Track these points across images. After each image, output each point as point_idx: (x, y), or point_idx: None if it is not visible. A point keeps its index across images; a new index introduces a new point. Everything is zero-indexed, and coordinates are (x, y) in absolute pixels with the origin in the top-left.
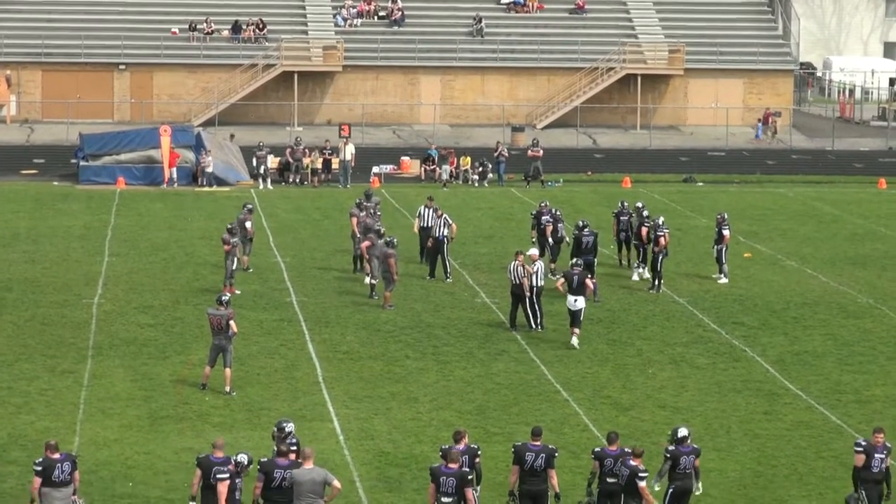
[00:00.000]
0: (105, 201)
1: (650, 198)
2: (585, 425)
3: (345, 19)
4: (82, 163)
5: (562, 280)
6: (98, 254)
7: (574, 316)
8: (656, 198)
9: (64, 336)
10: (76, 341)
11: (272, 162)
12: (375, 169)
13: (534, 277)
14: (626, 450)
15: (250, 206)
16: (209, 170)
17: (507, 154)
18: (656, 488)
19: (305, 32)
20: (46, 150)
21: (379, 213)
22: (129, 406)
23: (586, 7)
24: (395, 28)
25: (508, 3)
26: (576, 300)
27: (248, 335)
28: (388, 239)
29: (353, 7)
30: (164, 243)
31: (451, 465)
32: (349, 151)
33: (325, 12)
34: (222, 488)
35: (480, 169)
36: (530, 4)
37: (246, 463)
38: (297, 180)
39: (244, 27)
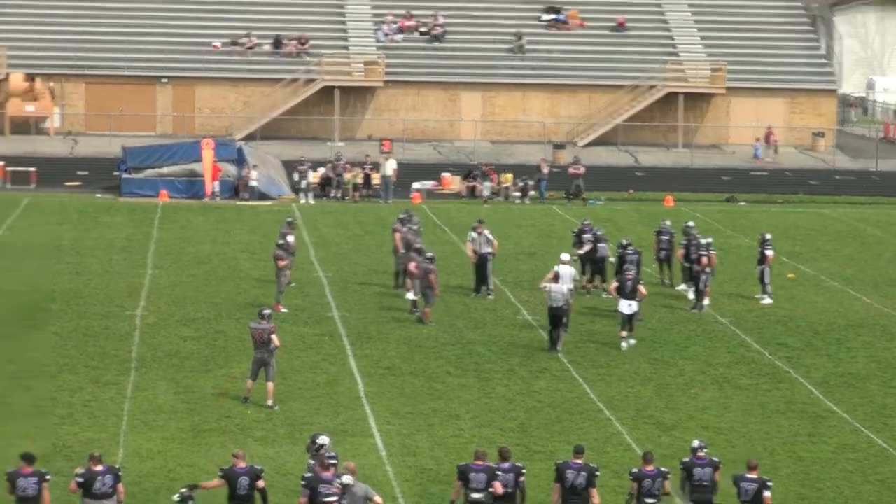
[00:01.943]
0: (148, 214)
1: (692, 217)
2: (628, 445)
3: (386, 35)
4: (125, 175)
5: (615, 284)
6: (141, 266)
7: (626, 320)
8: (698, 217)
9: (107, 348)
10: (119, 353)
11: (313, 176)
12: (416, 185)
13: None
14: (662, 469)
15: (291, 220)
16: (253, 183)
17: (548, 171)
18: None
19: (346, 48)
20: (90, 162)
21: (420, 230)
22: (172, 418)
23: (627, 25)
24: (436, 44)
25: (549, 20)
26: (629, 304)
27: (290, 349)
28: (427, 255)
29: (395, 23)
30: (207, 256)
31: (479, 463)
32: (390, 167)
33: (366, 28)
34: None
35: (522, 185)
36: (571, 21)
37: (352, 484)
38: (339, 195)
39: (285, 42)
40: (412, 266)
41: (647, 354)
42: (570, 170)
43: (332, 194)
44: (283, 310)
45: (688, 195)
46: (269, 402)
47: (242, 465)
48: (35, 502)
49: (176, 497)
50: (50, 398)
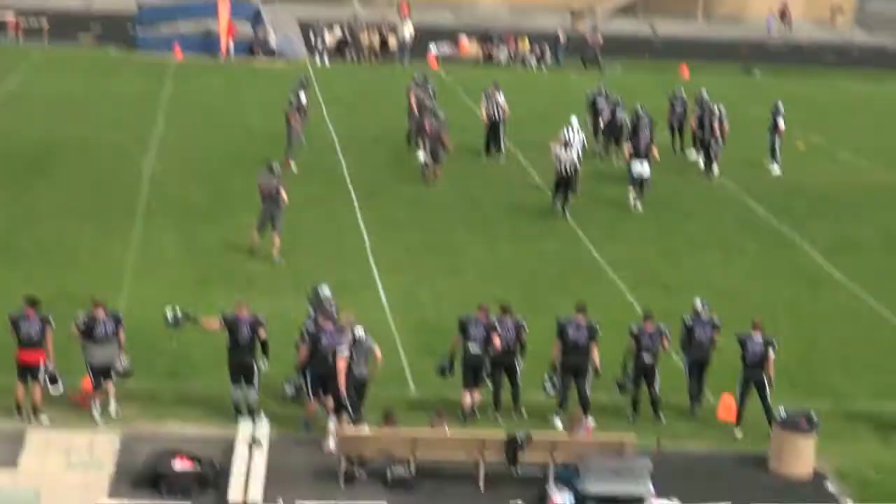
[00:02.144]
0: (161, 70)
1: (707, 87)
2: (630, 304)
3: None
4: (139, 31)
5: (628, 147)
6: (151, 120)
7: (638, 182)
8: (713, 88)
9: (114, 197)
10: (126, 203)
11: (329, 38)
12: (433, 48)
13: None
14: (661, 326)
15: (304, 78)
16: (271, 43)
17: (565, 39)
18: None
19: None
20: (105, 17)
21: (434, 93)
22: (177, 268)
23: None
24: None
25: None
26: (642, 163)
27: (298, 205)
28: (440, 115)
29: None
30: (219, 112)
31: (480, 315)
32: (407, 31)
33: None
34: (342, 365)
35: (539, 52)
36: None
37: (364, 338)
38: (355, 57)
39: None
40: (426, 125)
41: (655, 218)
42: (588, 38)
43: (348, 56)
44: (294, 167)
45: (704, 66)
46: (275, 255)
47: (245, 313)
48: (38, 346)
49: (168, 312)
50: (55, 244)
